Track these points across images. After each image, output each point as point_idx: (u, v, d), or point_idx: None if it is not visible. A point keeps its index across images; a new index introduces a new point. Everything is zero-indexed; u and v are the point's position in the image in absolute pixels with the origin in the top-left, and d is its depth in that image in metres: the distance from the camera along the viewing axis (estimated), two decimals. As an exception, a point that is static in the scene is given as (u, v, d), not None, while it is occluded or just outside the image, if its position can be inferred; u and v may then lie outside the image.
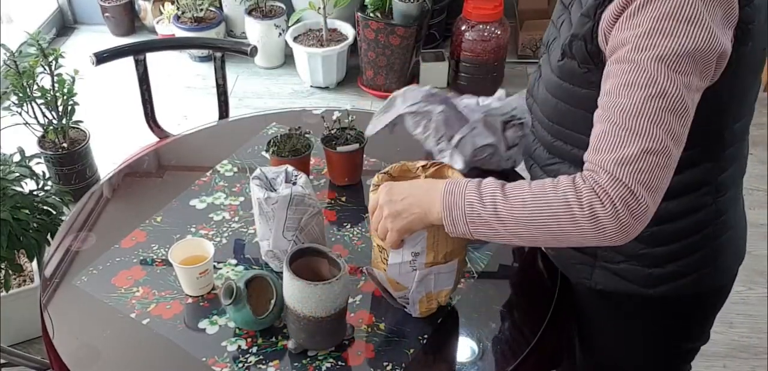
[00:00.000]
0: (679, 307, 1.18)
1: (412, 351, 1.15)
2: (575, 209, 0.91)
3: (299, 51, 3.39)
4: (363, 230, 1.41)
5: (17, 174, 1.89)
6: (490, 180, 1.00)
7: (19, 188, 1.88)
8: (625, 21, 0.92)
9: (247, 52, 2.08)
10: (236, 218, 1.44)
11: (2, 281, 1.92)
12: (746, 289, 2.33)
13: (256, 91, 3.49)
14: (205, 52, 3.60)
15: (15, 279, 2.11)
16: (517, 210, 0.96)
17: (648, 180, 0.90)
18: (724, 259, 1.16)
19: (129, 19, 3.97)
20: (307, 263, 1.15)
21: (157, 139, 2.10)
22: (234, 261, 1.34)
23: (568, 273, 1.25)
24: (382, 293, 1.21)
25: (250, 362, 1.14)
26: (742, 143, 1.10)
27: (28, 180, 1.95)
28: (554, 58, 1.07)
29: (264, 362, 1.14)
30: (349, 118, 1.54)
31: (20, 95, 2.38)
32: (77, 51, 3.74)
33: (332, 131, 1.53)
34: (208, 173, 1.57)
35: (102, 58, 1.98)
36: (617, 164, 0.90)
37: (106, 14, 3.91)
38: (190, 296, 1.26)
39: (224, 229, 1.41)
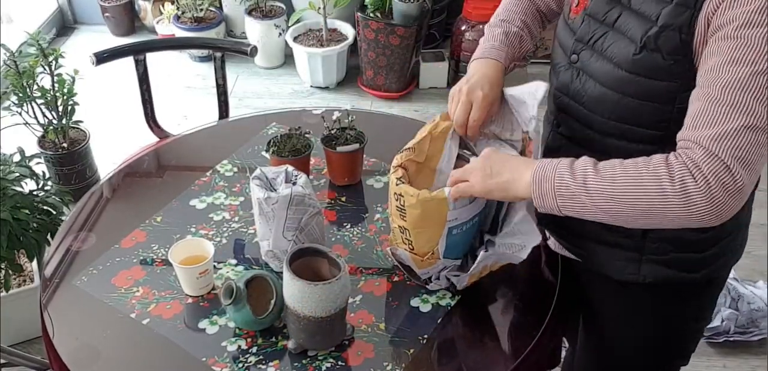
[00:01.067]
0: (706, 288, 1.20)
1: (412, 351, 1.15)
2: (666, 185, 0.89)
3: (299, 51, 3.39)
4: (363, 230, 1.41)
5: (17, 174, 1.89)
6: (584, 158, 0.99)
7: (19, 188, 1.88)
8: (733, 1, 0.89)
9: (247, 52, 2.08)
10: (236, 218, 1.44)
11: (2, 281, 1.92)
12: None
13: (256, 92, 3.49)
14: (205, 52, 3.60)
15: (15, 279, 2.11)
16: (607, 185, 0.94)
17: (746, 156, 0.87)
18: (744, 236, 1.20)
19: (129, 19, 3.96)
20: (307, 263, 1.15)
21: (157, 139, 2.10)
22: (234, 261, 1.34)
23: (606, 271, 1.22)
24: (404, 271, 1.24)
25: (250, 362, 1.14)
26: None
27: (28, 180, 1.95)
28: (621, 53, 1.03)
29: (264, 362, 1.14)
30: (349, 118, 1.54)
31: (20, 95, 2.38)
32: (77, 51, 3.74)
33: (332, 131, 1.53)
34: (208, 173, 1.57)
35: (102, 58, 1.98)
36: (714, 139, 0.88)
37: (106, 14, 3.91)
38: (190, 296, 1.26)
39: (224, 229, 1.41)
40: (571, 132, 1.17)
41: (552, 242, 1.33)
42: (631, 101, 1.04)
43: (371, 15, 3.25)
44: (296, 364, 1.14)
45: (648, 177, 0.91)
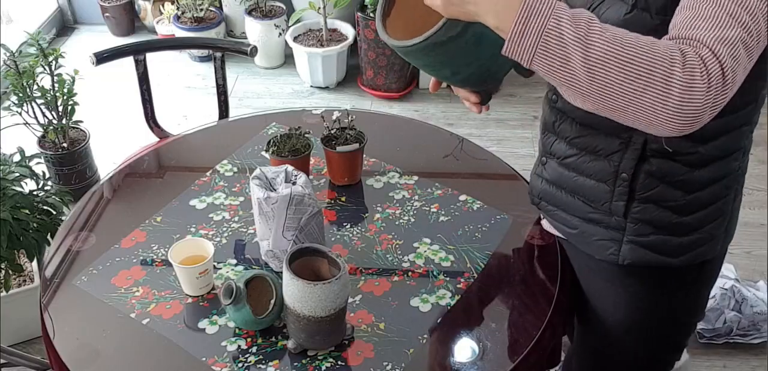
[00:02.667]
0: (691, 276, 1.20)
1: (412, 351, 1.15)
2: (676, 66, 0.82)
3: (299, 51, 3.39)
4: (363, 230, 1.41)
5: (17, 174, 1.89)
6: (581, 9, 0.87)
7: (19, 188, 1.88)
8: None
9: (247, 52, 2.08)
10: (236, 218, 1.44)
11: (2, 281, 1.92)
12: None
13: (256, 92, 3.49)
14: (205, 52, 3.60)
15: (15, 279, 2.11)
16: (609, 45, 0.83)
17: (736, 72, 0.84)
18: (733, 225, 1.19)
19: (129, 19, 3.96)
20: (307, 263, 1.15)
21: (157, 139, 2.10)
22: (234, 261, 1.34)
23: (591, 250, 1.22)
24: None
25: (250, 362, 1.14)
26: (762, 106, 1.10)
27: (28, 180, 1.95)
28: (613, 16, 0.99)
29: (264, 362, 1.14)
30: (349, 118, 1.54)
31: (20, 94, 2.38)
32: (77, 51, 3.74)
33: (332, 131, 1.53)
34: (208, 173, 1.57)
35: (102, 58, 1.98)
36: (719, 42, 0.84)
37: (106, 14, 3.90)
38: (190, 296, 1.26)
39: (224, 229, 1.41)
40: (568, 108, 1.15)
41: (545, 223, 1.34)
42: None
43: (371, 15, 3.25)
44: (296, 364, 1.14)
45: (658, 53, 0.83)
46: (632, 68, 0.82)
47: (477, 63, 0.99)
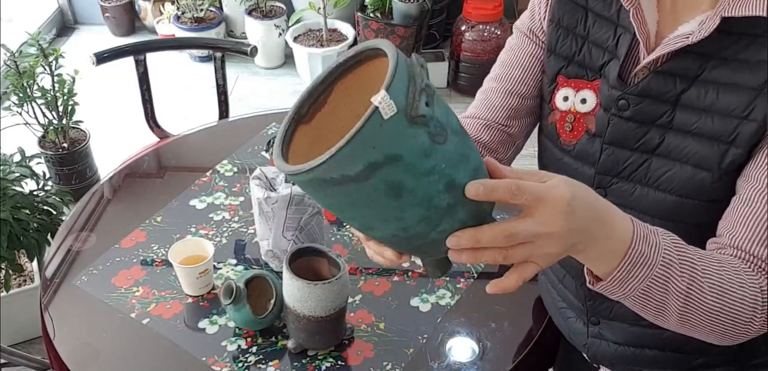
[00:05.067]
0: None
1: (412, 350, 1.15)
2: (758, 311, 0.77)
3: (299, 51, 3.39)
4: (363, 230, 1.41)
5: (17, 174, 1.89)
6: (678, 241, 0.76)
7: (19, 188, 1.88)
8: None
9: (247, 52, 2.08)
10: (236, 218, 1.44)
11: (2, 281, 1.92)
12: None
13: (256, 92, 3.49)
14: (205, 52, 3.60)
15: (15, 279, 2.11)
16: (709, 299, 0.75)
17: None
18: None
19: (129, 19, 3.96)
20: (307, 263, 1.15)
21: (157, 139, 2.10)
22: (234, 261, 1.34)
23: None
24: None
25: (250, 362, 1.14)
26: None
27: (28, 180, 1.95)
28: (682, 181, 0.86)
29: (264, 362, 1.14)
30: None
31: (20, 95, 2.38)
32: (77, 51, 3.74)
33: (332, 131, 1.53)
34: (208, 173, 1.57)
35: (102, 58, 1.98)
36: None
37: (107, 14, 3.90)
38: (190, 296, 1.26)
39: (224, 229, 1.41)
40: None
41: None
42: (694, 226, 0.87)
43: (371, 15, 3.25)
44: (296, 364, 1.14)
45: (749, 299, 0.77)
46: (722, 318, 0.77)
47: (398, 223, 0.65)
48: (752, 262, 0.79)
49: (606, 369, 1.10)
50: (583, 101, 0.94)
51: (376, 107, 0.57)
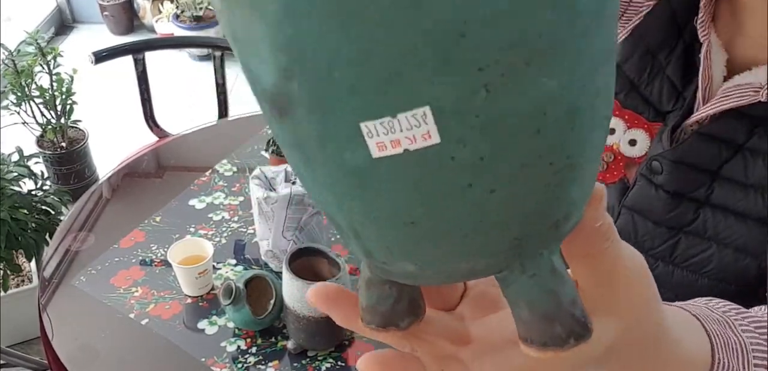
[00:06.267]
0: None
1: (412, 351, 1.15)
2: None
3: (298, 50, 3.39)
4: (363, 229, 1.41)
5: (15, 174, 1.89)
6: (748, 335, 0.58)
7: (17, 188, 1.88)
8: None
9: (247, 52, 2.08)
10: (236, 218, 1.43)
11: (0, 281, 1.91)
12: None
13: (256, 91, 3.49)
14: (204, 51, 3.59)
15: (13, 279, 2.10)
16: None
17: None
18: None
19: (128, 17, 3.96)
20: (307, 263, 1.14)
21: (156, 138, 2.09)
22: (233, 261, 1.33)
23: None
24: None
25: (250, 362, 1.13)
26: None
27: (26, 180, 1.94)
28: (718, 263, 0.72)
29: (263, 362, 1.13)
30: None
31: (18, 94, 2.38)
32: (76, 50, 3.73)
33: (332, 131, 1.53)
34: (207, 173, 1.57)
35: (101, 57, 1.97)
36: None
37: (105, 13, 3.90)
38: (190, 296, 1.25)
39: (224, 229, 1.41)
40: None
41: None
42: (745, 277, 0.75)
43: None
44: (296, 364, 1.13)
45: None
46: None
47: None
48: None
49: None
50: (633, 142, 0.77)
51: None
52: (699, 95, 0.71)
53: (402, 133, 0.24)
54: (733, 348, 0.47)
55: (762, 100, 0.65)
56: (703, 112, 0.70)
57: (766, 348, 0.50)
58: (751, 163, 0.68)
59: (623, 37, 0.79)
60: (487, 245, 0.28)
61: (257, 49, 0.26)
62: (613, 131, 0.78)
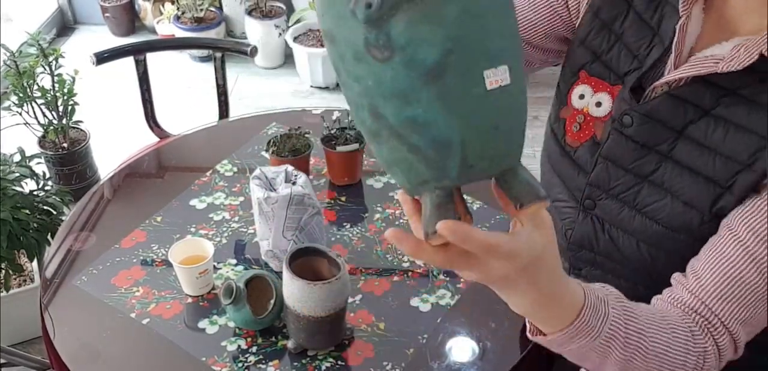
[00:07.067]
0: None
1: (412, 350, 1.15)
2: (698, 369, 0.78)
3: (299, 51, 3.39)
4: (363, 230, 1.41)
5: (17, 174, 1.89)
6: (628, 308, 0.74)
7: (19, 188, 1.88)
8: None
9: (247, 52, 2.08)
10: (236, 218, 1.44)
11: (2, 281, 1.92)
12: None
13: (256, 92, 3.49)
14: (205, 52, 3.60)
15: (15, 279, 2.11)
16: (646, 367, 0.75)
17: (753, 335, 0.80)
18: None
19: (129, 19, 3.96)
20: (307, 263, 1.15)
21: (158, 139, 2.10)
22: (234, 261, 1.34)
23: None
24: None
25: (250, 362, 1.14)
26: None
27: (28, 180, 1.95)
28: (670, 216, 0.83)
29: (264, 362, 1.14)
30: (349, 118, 1.54)
31: (20, 95, 2.38)
32: (77, 51, 3.74)
33: (332, 131, 1.53)
34: (208, 173, 1.57)
35: (102, 58, 1.98)
36: (745, 324, 0.77)
37: (106, 14, 3.91)
38: (190, 296, 1.26)
39: (224, 229, 1.41)
40: (594, 279, 0.94)
41: None
42: (682, 261, 0.84)
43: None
44: (296, 364, 1.14)
45: (687, 364, 0.77)
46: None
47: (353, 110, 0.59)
48: (706, 316, 0.77)
49: None
50: (599, 104, 0.91)
51: None
52: (671, 59, 0.81)
53: (496, 76, 0.52)
54: (600, 313, 0.69)
55: (723, 71, 0.76)
56: (673, 75, 0.80)
57: (622, 328, 0.71)
58: (712, 127, 0.78)
59: (583, 14, 0.93)
60: (519, 142, 0.58)
61: (426, 39, 0.50)
62: (582, 97, 0.92)
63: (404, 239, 0.56)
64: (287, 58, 3.68)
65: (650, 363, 0.74)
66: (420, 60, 0.50)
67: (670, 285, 0.83)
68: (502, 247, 0.56)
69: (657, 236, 0.85)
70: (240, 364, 1.13)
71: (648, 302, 0.82)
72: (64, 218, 1.78)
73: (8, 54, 2.38)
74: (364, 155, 1.54)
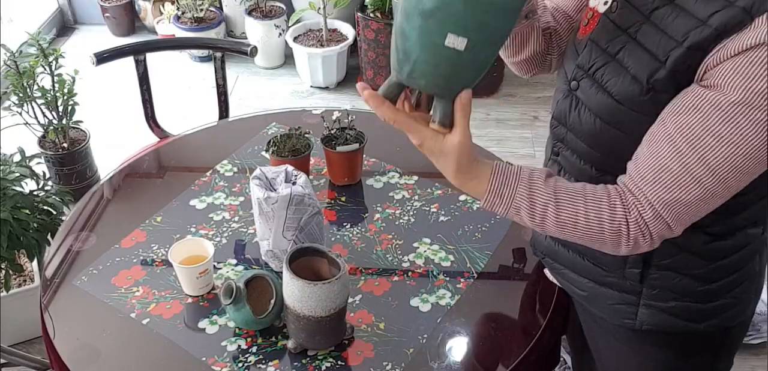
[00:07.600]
0: (718, 338, 1.12)
1: (411, 350, 1.15)
2: (622, 240, 0.92)
3: (299, 51, 3.39)
4: (363, 230, 1.41)
5: (17, 174, 1.89)
6: (541, 181, 0.94)
7: (19, 188, 1.88)
8: (740, 55, 0.82)
9: (247, 52, 2.08)
10: (236, 218, 1.44)
11: (2, 281, 1.92)
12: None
13: (256, 92, 3.49)
14: (205, 52, 3.60)
15: (15, 279, 2.11)
16: (564, 229, 0.93)
17: (691, 220, 0.91)
18: (761, 285, 1.12)
19: (129, 19, 3.96)
20: (307, 263, 1.15)
21: (157, 139, 2.10)
22: (234, 261, 1.34)
23: (604, 314, 1.14)
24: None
25: (250, 362, 1.14)
26: None
27: (28, 180, 1.95)
28: (621, 89, 0.94)
29: (264, 362, 1.14)
30: (349, 118, 1.54)
31: (20, 95, 2.38)
32: (77, 51, 3.74)
33: (332, 131, 1.53)
34: (208, 173, 1.57)
35: (102, 58, 1.98)
36: (668, 206, 0.89)
37: (107, 14, 3.90)
38: (190, 296, 1.26)
39: (224, 229, 1.41)
40: (568, 165, 1.08)
41: (548, 273, 1.26)
42: (619, 134, 0.97)
43: (371, 15, 3.25)
44: (296, 364, 1.14)
45: (607, 230, 0.92)
46: (584, 238, 0.94)
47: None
48: (636, 194, 0.91)
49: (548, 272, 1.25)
50: (606, 3, 1.01)
51: None
52: None
53: (455, 42, 0.81)
54: (508, 177, 0.94)
55: None
56: None
57: (541, 183, 0.93)
58: (669, 12, 0.90)
59: None
60: (452, 86, 0.87)
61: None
62: None
63: (371, 97, 0.88)
64: (287, 58, 3.68)
65: (565, 217, 0.93)
66: (425, 1, 0.80)
67: (613, 165, 0.98)
68: (411, 128, 0.91)
69: (608, 109, 0.97)
70: (240, 364, 1.13)
71: (597, 183, 0.97)
72: (64, 218, 1.78)
73: (8, 54, 2.38)
74: (364, 155, 1.55)
